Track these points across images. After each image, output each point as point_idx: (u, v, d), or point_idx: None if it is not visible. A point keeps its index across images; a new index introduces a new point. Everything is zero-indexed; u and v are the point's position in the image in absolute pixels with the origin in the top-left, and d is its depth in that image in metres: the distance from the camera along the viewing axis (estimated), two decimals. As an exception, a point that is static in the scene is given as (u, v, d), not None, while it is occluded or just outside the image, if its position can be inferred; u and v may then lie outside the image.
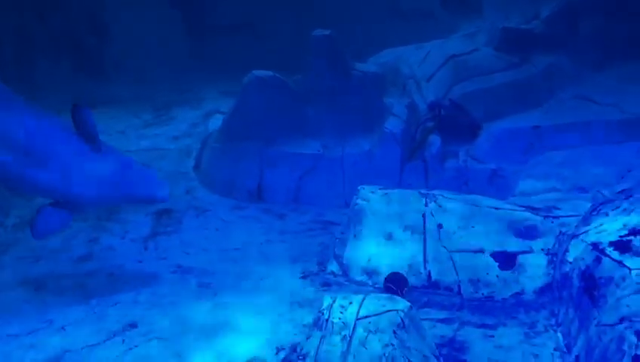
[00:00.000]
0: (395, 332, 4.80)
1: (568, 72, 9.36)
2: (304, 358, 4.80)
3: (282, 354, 5.45)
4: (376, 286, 6.43)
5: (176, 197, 8.35)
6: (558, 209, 6.52)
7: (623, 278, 4.91)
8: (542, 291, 6.04)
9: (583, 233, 5.72)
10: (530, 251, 6.25)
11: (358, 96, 8.91)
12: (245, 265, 7.16)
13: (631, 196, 5.87)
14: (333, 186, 8.59)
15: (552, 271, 6.05)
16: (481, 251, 6.32)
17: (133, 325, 6.12)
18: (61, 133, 6.35)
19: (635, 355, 4.29)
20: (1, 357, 5.76)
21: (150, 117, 11.52)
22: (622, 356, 4.35)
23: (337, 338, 4.80)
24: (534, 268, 6.15)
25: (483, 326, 5.81)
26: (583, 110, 8.83)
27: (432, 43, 10.40)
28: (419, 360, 4.80)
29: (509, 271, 6.20)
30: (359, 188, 7.02)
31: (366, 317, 4.88)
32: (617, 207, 5.79)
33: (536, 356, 5.39)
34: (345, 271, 6.72)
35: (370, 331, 4.80)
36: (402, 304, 5.03)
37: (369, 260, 6.59)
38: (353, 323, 4.84)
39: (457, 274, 6.28)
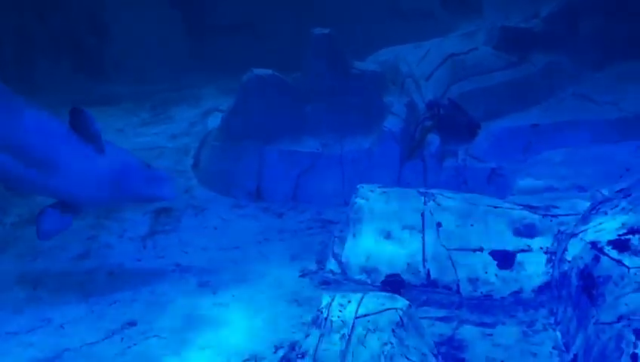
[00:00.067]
0: (393, 330, 4.80)
1: (567, 71, 9.36)
2: (303, 356, 4.80)
3: (281, 353, 5.45)
4: (375, 284, 6.43)
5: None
6: (557, 208, 6.52)
7: (622, 277, 4.92)
8: (540, 290, 6.04)
9: (581, 232, 5.72)
10: (529, 250, 6.25)
11: (357, 94, 8.90)
12: (244, 263, 7.16)
13: (630, 195, 5.88)
14: (332, 185, 8.58)
15: (550, 270, 6.05)
16: (480, 250, 6.33)
17: (132, 323, 6.13)
18: (63, 134, 6.33)
19: (634, 353, 4.30)
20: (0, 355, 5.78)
21: (148, 115, 11.53)
22: (620, 354, 4.36)
23: (336, 337, 4.79)
24: (533, 267, 6.16)
25: (482, 324, 5.81)
26: (582, 109, 8.83)
27: (430, 42, 10.39)
28: (418, 358, 4.80)
29: (508, 270, 6.21)
30: (358, 186, 7.02)
31: (365, 315, 4.87)
32: (616, 206, 5.79)
33: (534, 354, 5.39)
34: (344, 270, 6.72)
35: (369, 329, 4.80)
36: (401, 302, 5.03)
37: (368, 259, 6.59)
38: (352, 321, 4.84)
39: (456, 272, 6.29)
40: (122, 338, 5.91)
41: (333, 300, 5.02)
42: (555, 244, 6.14)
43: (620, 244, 5.19)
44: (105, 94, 12.06)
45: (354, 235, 6.75)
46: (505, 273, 6.19)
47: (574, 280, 5.42)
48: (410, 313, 5.01)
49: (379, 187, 6.98)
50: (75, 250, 7.49)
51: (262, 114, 8.77)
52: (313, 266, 6.96)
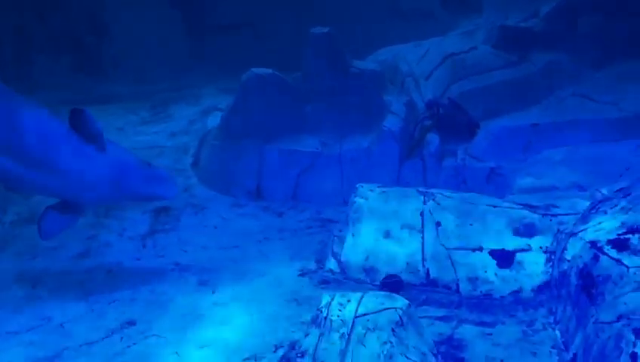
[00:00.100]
0: (393, 330, 4.81)
1: (567, 71, 9.35)
2: (302, 356, 4.80)
3: (281, 352, 5.45)
4: (375, 283, 6.44)
5: (174, 195, 8.34)
6: (557, 207, 6.53)
7: (621, 276, 4.92)
8: (540, 289, 6.05)
9: (581, 231, 5.72)
10: (528, 249, 6.25)
11: (357, 94, 8.90)
12: (244, 262, 7.16)
13: (629, 194, 5.88)
14: (331, 184, 8.58)
15: (550, 269, 6.05)
16: (480, 249, 6.33)
17: (131, 322, 6.13)
18: (63, 134, 6.33)
19: (633, 353, 4.30)
20: (-1, 354, 5.78)
21: (148, 114, 11.53)
22: (619, 353, 4.36)
23: (336, 336, 4.80)
24: (533, 266, 6.16)
25: (481, 324, 5.81)
26: (581, 108, 8.82)
27: (430, 41, 10.39)
28: (417, 357, 4.80)
29: (508, 269, 6.21)
30: (357, 186, 7.03)
31: (364, 314, 4.88)
32: (616, 206, 5.79)
33: (534, 354, 5.39)
34: (343, 269, 6.72)
35: (368, 329, 4.80)
36: (401, 302, 5.04)
37: (367, 258, 6.59)
38: (352, 320, 4.84)
39: (456, 272, 6.29)
40: (122, 338, 5.91)
41: (332, 299, 5.02)
42: (555, 244, 6.14)
43: (620, 244, 5.20)
44: (105, 93, 12.07)
45: (353, 234, 6.75)
46: (504, 272, 6.20)
47: (574, 280, 5.42)
48: (409, 312, 5.01)
49: (378, 186, 6.98)
50: (74, 249, 7.49)
51: (261, 113, 8.77)
52: (313, 265, 6.96)
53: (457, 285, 6.25)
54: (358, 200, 6.85)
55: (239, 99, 8.99)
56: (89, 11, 13.24)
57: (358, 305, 4.94)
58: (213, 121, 9.71)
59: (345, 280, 6.62)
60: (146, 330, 5.99)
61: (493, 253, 6.28)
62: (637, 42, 9.09)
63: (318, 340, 4.82)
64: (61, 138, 6.29)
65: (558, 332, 5.55)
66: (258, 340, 5.72)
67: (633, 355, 4.30)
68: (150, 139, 10.34)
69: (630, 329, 4.42)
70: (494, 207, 6.53)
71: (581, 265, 5.36)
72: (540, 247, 6.22)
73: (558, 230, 6.20)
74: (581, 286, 5.27)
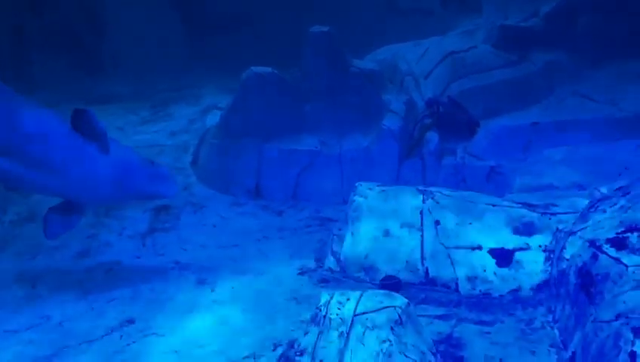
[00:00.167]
0: (392, 328, 4.81)
1: (567, 70, 9.37)
2: (301, 354, 4.80)
3: (280, 350, 5.45)
4: (374, 282, 6.44)
5: (173, 193, 8.35)
6: (556, 206, 6.53)
7: (620, 275, 4.92)
8: (539, 288, 6.05)
9: (580, 230, 5.73)
10: (527, 248, 6.25)
11: (356, 93, 8.90)
12: (243, 261, 7.17)
13: (628, 193, 5.88)
14: (331, 183, 8.59)
15: (549, 268, 6.06)
16: (479, 248, 6.33)
17: (130, 321, 6.14)
18: (65, 134, 6.32)
19: (632, 351, 4.30)
20: (-1, 352, 5.79)
21: (148, 113, 11.54)
22: (618, 352, 4.36)
23: (335, 335, 4.80)
24: (532, 265, 6.16)
25: (480, 322, 5.82)
26: (581, 108, 8.84)
27: (430, 40, 10.40)
28: (416, 356, 4.81)
29: (507, 268, 6.21)
30: (357, 184, 7.03)
31: (363, 313, 4.88)
32: (614, 204, 5.80)
33: (532, 352, 5.39)
34: (342, 268, 6.72)
35: (367, 327, 4.81)
36: (400, 300, 5.04)
37: (366, 257, 6.60)
38: (351, 319, 4.85)
39: (455, 270, 6.29)
40: (121, 336, 5.92)
41: (331, 298, 5.03)
42: (554, 242, 6.14)
43: (619, 242, 5.20)
44: (104, 93, 12.07)
45: (352, 233, 6.75)
46: (503, 271, 6.20)
47: (573, 278, 5.43)
48: (408, 311, 5.02)
49: (377, 185, 6.99)
50: (74, 248, 7.50)
51: (261, 112, 8.78)
52: (312, 264, 6.97)
53: (456, 284, 6.25)
54: (358, 198, 6.85)
55: (239, 98, 8.99)
56: (89, 11, 13.24)
57: (357, 303, 4.95)
58: (213, 119, 9.72)
59: (344, 278, 6.63)
60: (145, 328, 6.00)
61: (493, 252, 6.29)
62: (636, 42, 9.11)
63: (317, 338, 4.82)
64: (63, 138, 6.29)
65: (556, 331, 5.56)
66: (257, 338, 5.72)
67: (632, 354, 4.30)
68: (150, 138, 10.35)
69: (629, 327, 4.42)
70: (494, 205, 6.54)
71: (580, 264, 5.36)
72: (539, 246, 6.22)
73: (557, 229, 6.21)
74: (580, 285, 5.27)
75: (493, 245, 6.31)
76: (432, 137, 8.83)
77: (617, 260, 5.04)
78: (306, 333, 4.96)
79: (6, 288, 6.79)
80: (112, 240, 7.72)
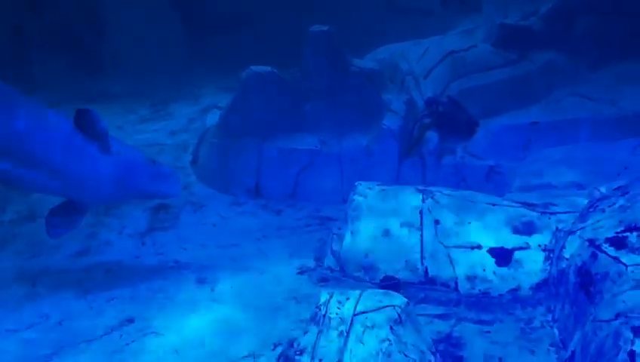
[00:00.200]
0: (392, 327, 4.81)
1: (566, 70, 9.36)
2: (301, 353, 4.80)
3: (279, 350, 5.45)
4: (374, 281, 6.44)
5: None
6: (555, 205, 6.53)
7: (619, 274, 4.93)
8: (538, 287, 6.05)
9: (579, 229, 5.73)
10: (527, 247, 6.25)
11: (356, 92, 8.90)
12: (243, 260, 7.17)
13: (627, 193, 5.89)
14: (330, 182, 8.59)
15: (548, 268, 6.06)
16: (478, 247, 6.33)
17: (130, 320, 6.14)
18: (69, 134, 6.31)
19: (631, 351, 4.30)
20: (-2, 352, 5.79)
21: (147, 112, 11.54)
22: (617, 351, 4.36)
23: (334, 334, 4.80)
24: (531, 264, 6.16)
25: (480, 322, 5.82)
26: (580, 107, 8.83)
27: (430, 39, 10.39)
28: (416, 355, 4.81)
29: (506, 268, 6.21)
30: (356, 184, 7.03)
31: (363, 312, 4.88)
32: (614, 204, 5.80)
33: (532, 352, 5.40)
34: (342, 267, 6.72)
35: (367, 326, 4.81)
36: (399, 300, 5.04)
37: (366, 256, 6.60)
38: (350, 318, 4.85)
39: (454, 270, 6.29)
40: (121, 335, 5.92)
41: (331, 297, 5.03)
42: (553, 242, 6.14)
43: (618, 242, 5.20)
44: (104, 92, 12.07)
45: (352, 232, 6.75)
46: (503, 270, 6.20)
47: (572, 278, 5.43)
48: (408, 310, 5.02)
49: (377, 184, 6.99)
50: (73, 247, 7.50)
51: (260, 111, 8.77)
52: (312, 263, 6.97)
53: (456, 283, 6.26)
54: (357, 198, 6.85)
55: (238, 98, 8.99)
56: (89, 11, 13.23)
57: (357, 302, 4.95)
58: (213, 119, 9.71)
59: (344, 278, 6.63)
60: (144, 328, 6.00)
61: (492, 251, 6.29)
62: (634, 43, 9.11)
63: (317, 338, 4.82)
64: (66, 138, 6.28)
65: (556, 331, 5.56)
66: (257, 338, 5.73)
67: (631, 353, 4.30)
68: (150, 137, 10.35)
69: (628, 327, 4.42)
70: (493, 205, 6.54)
71: (579, 263, 5.37)
72: (539, 245, 6.23)
73: (557, 228, 6.21)
74: (579, 285, 5.28)
75: (492, 244, 6.31)
76: (432, 137, 8.83)
77: (617, 259, 5.05)
78: (305, 332, 4.96)
79: (6, 287, 6.79)
80: (111, 239, 7.72)
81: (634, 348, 4.31)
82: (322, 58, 8.87)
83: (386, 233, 6.59)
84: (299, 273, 6.82)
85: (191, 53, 13.36)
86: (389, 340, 4.74)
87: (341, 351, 4.70)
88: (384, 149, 8.66)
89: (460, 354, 5.42)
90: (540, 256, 6.17)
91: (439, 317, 5.91)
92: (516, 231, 6.35)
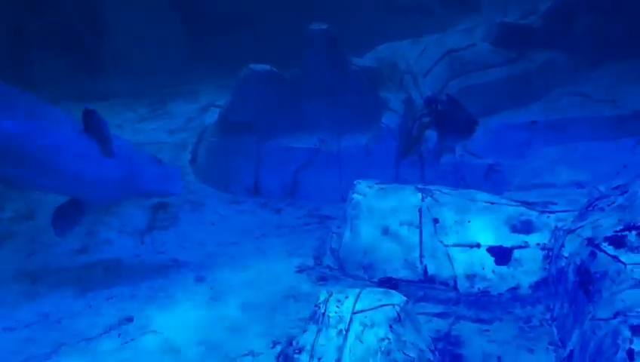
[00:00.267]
0: (391, 326, 4.81)
1: (566, 68, 9.36)
2: (300, 352, 4.80)
3: (278, 348, 5.44)
4: (373, 280, 6.44)
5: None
6: (554, 204, 6.53)
7: (618, 273, 4.93)
8: (537, 286, 6.06)
9: (578, 228, 5.73)
10: (526, 246, 6.26)
11: (355, 90, 8.89)
12: (242, 259, 7.17)
13: (626, 192, 5.89)
14: (329, 180, 8.57)
15: (547, 266, 6.06)
16: (477, 246, 6.33)
17: (129, 319, 6.14)
18: (77, 135, 6.30)
19: (630, 349, 4.31)
20: (-3, 350, 5.78)
21: (146, 111, 11.53)
22: (616, 350, 4.36)
23: (333, 332, 4.81)
24: (530, 263, 6.17)
25: (479, 320, 5.83)
26: (579, 106, 8.83)
27: (429, 38, 10.38)
28: (415, 354, 4.81)
29: (505, 266, 6.21)
30: (355, 182, 7.03)
31: (362, 311, 4.89)
32: (613, 203, 5.80)
33: (531, 350, 5.40)
34: (341, 266, 6.73)
35: (366, 325, 4.81)
36: (398, 298, 5.05)
37: (365, 254, 6.60)
38: (349, 317, 4.85)
39: (453, 268, 6.30)
40: (120, 334, 5.92)
41: (330, 296, 5.03)
42: (552, 240, 6.14)
43: (617, 241, 5.21)
44: (103, 91, 12.05)
45: (351, 231, 6.75)
46: (502, 269, 6.20)
47: (571, 276, 5.43)
48: (407, 309, 5.02)
49: (376, 183, 6.99)
50: (73, 245, 7.49)
51: (259, 109, 8.76)
52: (311, 262, 6.97)
53: (455, 282, 6.26)
54: (356, 196, 6.85)
55: (237, 96, 8.98)
56: (89, 11, 13.22)
57: (356, 301, 4.95)
58: (211, 117, 9.70)
59: (343, 276, 6.63)
60: (144, 326, 6.00)
61: (491, 250, 6.29)
62: (633, 42, 9.11)
63: (316, 336, 4.82)
64: (73, 138, 6.27)
65: (555, 329, 5.56)
66: (256, 336, 5.73)
67: (630, 352, 4.30)
68: (148, 135, 10.33)
69: (627, 326, 4.42)
70: (492, 203, 6.54)
71: (578, 262, 5.37)
72: (538, 244, 6.23)
73: (556, 227, 6.21)
74: (578, 283, 5.28)
75: (491, 243, 6.32)
76: (431, 135, 8.82)
77: (616, 258, 5.05)
78: (304, 331, 4.96)
79: (4, 285, 6.78)
80: (111, 237, 7.71)
81: (632, 346, 4.31)
82: (322, 56, 8.86)
83: (385, 231, 6.59)
84: (298, 271, 6.82)
85: (191, 53, 13.34)
86: (388, 339, 4.74)
87: (340, 350, 4.70)
88: (383, 148, 8.66)
89: (458, 353, 5.42)
90: (539, 255, 6.17)
91: (438, 315, 5.91)
92: (515, 229, 6.36)
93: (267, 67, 8.85)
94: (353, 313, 4.87)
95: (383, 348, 4.69)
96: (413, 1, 13.30)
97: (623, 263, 4.97)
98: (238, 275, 6.79)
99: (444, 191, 6.72)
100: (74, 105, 7.79)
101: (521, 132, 8.65)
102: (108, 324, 6.06)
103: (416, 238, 6.47)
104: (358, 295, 5.02)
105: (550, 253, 6.09)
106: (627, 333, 4.38)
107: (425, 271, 6.36)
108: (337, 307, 4.92)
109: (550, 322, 5.68)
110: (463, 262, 6.30)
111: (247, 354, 5.51)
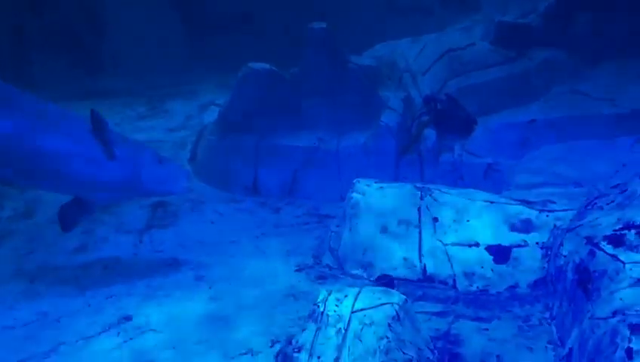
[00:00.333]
0: (390, 325, 4.81)
1: (565, 67, 9.36)
2: (299, 351, 4.80)
3: (277, 347, 5.45)
4: (372, 279, 6.44)
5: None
6: (553, 203, 6.53)
7: (617, 272, 4.93)
8: (536, 285, 6.06)
9: (577, 227, 5.73)
10: (525, 245, 6.26)
11: (354, 89, 8.90)
12: (241, 258, 7.17)
13: (625, 190, 5.89)
14: (328, 179, 8.58)
15: (546, 265, 6.06)
16: (476, 245, 6.33)
17: (128, 318, 6.13)
18: (85, 135, 6.30)
19: (628, 348, 4.30)
20: (-4, 349, 5.78)
21: (145, 109, 11.54)
22: (615, 349, 4.36)
23: (332, 331, 4.80)
24: (529, 262, 6.17)
25: (478, 319, 5.83)
26: (578, 105, 8.83)
27: (428, 37, 10.38)
28: (414, 352, 4.81)
29: (504, 265, 6.21)
30: (355, 181, 7.03)
31: (361, 310, 4.88)
32: (612, 201, 5.80)
33: (530, 349, 5.40)
34: (340, 264, 6.73)
35: (365, 324, 4.80)
36: (397, 297, 5.04)
37: (364, 253, 6.60)
38: (348, 316, 4.85)
39: (452, 267, 6.29)
40: (118, 333, 5.91)
41: (329, 294, 5.03)
42: (551, 239, 6.15)
43: (616, 239, 5.20)
44: (103, 91, 12.06)
45: (350, 230, 6.75)
46: (501, 268, 6.20)
47: (570, 275, 5.43)
48: (406, 307, 5.02)
49: (375, 182, 6.98)
50: (71, 244, 7.49)
51: (258, 108, 8.77)
52: (310, 261, 6.97)
53: (454, 280, 6.26)
54: (356, 195, 6.85)
55: (236, 95, 8.99)
56: (89, 11, 13.23)
57: (355, 300, 4.95)
58: (211, 116, 9.71)
59: (342, 275, 6.63)
60: (142, 325, 6.00)
61: (490, 249, 6.29)
62: (632, 41, 9.11)
63: (315, 335, 4.82)
64: (81, 139, 6.27)
65: (554, 328, 5.56)
66: (255, 335, 5.73)
67: (628, 350, 4.30)
68: (148, 134, 10.33)
69: (626, 324, 4.42)
70: (491, 202, 6.54)
71: (577, 261, 5.37)
72: (537, 243, 6.23)
73: (555, 226, 6.21)
74: (577, 282, 5.28)
75: (490, 242, 6.32)
76: (430, 134, 8.82)
77: (614, 257, 5.04)
78: (303, 330, 4.95)
79: (3, 284, 6.79)
80: (109, 236, 7.71)
81: (631, 345, 4.31)
82: (321, 55, 8.87)
83: (385, 230, 6.59)
84: (297, 270, 6.82)
85: (191, 53, 13.35)
86: (387, 337, 4.73)
87: (339, 349, 4.70)
88: (382, 147, 8.66)
89: (457, 351, 5.42)
90: (538, 254, 6.18)
91: (437, 314, 5.91)
92: (514, 228, 6.36)
93: (266, 66, 8.85)
94: (352, 312, 4.87)
95: (382, 347, 4.69)
96: (413, 1, 13.30)
97: (622, 262, 4.97)
98: (237, 274, 6.79)
99: (443, 190, 6.72)
100: (74, 104, 7.80)
101: (520, 131, 8.65)
102: (107, 323, 6.06)
103: (416, 237, 6.47)
104: (358, 294, 5.02)
105: (549, 252, 6.09)
106: (626, 332, 4.38)
107: (424, 269, 6.36)
108: (336, 306, 4.92)
109: (549, 321, 5.68)
110: (461, 260, 6.30)
111: (246, 353, 5.51)
